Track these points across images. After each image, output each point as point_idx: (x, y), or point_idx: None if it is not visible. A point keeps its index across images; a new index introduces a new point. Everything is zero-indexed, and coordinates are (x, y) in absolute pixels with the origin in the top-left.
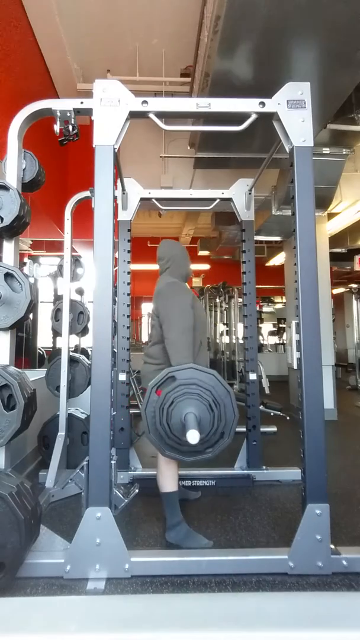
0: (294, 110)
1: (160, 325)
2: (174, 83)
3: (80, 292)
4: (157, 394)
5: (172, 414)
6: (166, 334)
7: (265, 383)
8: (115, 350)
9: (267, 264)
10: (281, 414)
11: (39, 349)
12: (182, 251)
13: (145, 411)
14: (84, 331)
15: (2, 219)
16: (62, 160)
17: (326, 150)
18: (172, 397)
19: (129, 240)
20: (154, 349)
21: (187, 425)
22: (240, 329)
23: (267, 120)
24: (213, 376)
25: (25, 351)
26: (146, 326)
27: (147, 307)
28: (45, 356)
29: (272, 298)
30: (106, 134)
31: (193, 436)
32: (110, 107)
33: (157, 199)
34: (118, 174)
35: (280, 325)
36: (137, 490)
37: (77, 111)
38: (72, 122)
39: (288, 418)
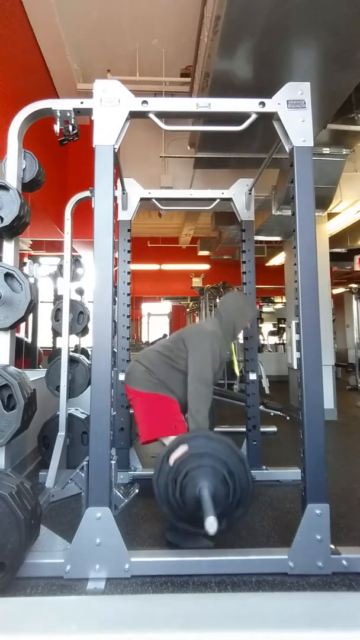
0: (294, 110)
1: (184, 354)
2: (174, 83)
3: (80, 292)
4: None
5: (185, 488)
6: (191, 372)
7: (265, 383)
8: (115, 350)
9: (267, 264)
10: (281, 414)
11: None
12: (239, 309)
13: (157, 482)
14: (84, 331)
15: (2, 219)
16: (62, 160)
17: (326, 150)
18: (185, 470)
19: (129, 240)
20: (154, 354)
21: (205, 510)
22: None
23: (267, 120)
24: (227, 444)
25: (25, 351)
26: (146, 326)
27: (147, 307)
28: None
29: (272, 298)
30: (106, 134)
31: (211, 525)
32: (110, 107)
33: (157, 199)
34: (118, 174)
35: (280, 325)
36: (137, 490)
37: (77, 111)
38: (72, 122)
39: (288, 418)
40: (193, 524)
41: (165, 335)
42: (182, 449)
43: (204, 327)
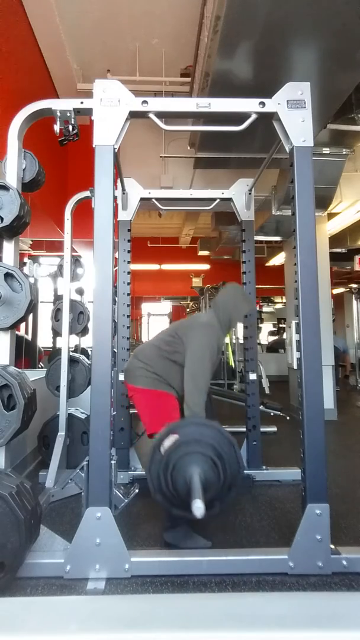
0: (294, 110)
1: (181, 347)
2: (174, 83)
3: (80, 292)
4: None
5: (176, 476)
6: (188, 367)
7: (265, 383)
8: (115, 350)
9: (267, 264)
10: (281, 414)
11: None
12: (236, 303)
13: (150, 471)
14: (84, 331)
15: (2, 219)
16: (62, 160)
17: (326, 150)
18: (174, 460)
19: (129, 240)
20: (151, 348)
21: (193, 493)
22: (240, 329)
23: (267, 120)
24: (216, 429)
25: (25, 351)
26: (146, 326)
27: (147, 307)
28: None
29: (272, 298)
30: (106, 134)
31: (198, 508)
32: (110, 107)
33: (157, 199)
34: (118, 174)
35: (280, 325)
36: (137, 490)
37: (77, 111)
38: (72, 122)
39: (288, 418)
40: (188, 510)
41: None
42: (173, 438)
43: (201, 320)
